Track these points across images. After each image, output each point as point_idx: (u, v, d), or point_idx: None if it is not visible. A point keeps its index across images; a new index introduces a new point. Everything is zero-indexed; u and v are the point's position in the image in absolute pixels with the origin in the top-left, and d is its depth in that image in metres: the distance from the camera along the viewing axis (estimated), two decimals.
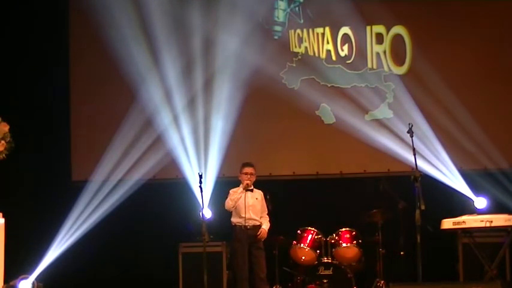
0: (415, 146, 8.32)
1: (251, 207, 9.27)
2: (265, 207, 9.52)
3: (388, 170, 10.87)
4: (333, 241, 10.20)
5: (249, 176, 9.36)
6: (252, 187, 9.37)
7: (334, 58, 11.21)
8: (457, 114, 10.64)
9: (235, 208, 9.32)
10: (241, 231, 9.24)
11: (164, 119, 11.03)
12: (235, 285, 9.62)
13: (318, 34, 11.24)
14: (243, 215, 9.23)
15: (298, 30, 11.27)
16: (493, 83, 10.90)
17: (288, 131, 11.22)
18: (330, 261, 10.07)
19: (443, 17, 10.99)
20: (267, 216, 9.54)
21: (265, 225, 9.42)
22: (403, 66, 11.07)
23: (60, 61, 11.37)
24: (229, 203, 9.30)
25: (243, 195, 9.29)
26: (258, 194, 9.44)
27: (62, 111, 11.36)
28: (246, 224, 9.23)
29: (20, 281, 9.36)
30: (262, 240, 9.48)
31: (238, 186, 9.52)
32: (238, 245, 9.26)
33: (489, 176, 10.52)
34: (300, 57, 11.27)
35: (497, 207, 9.91)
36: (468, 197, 10.31)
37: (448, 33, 10.96)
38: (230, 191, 9.45)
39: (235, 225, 9.35)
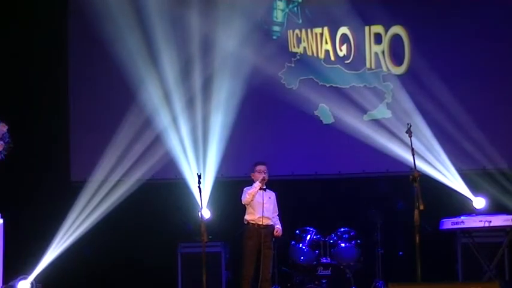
0: (413, 146, 8.31)
1: (265, 205, 9.07)
2: (277, 208, 9.32)
3: (387, 170, 10.87)
4: (331, 241, 10.22)
5: (264, 175, 9.13)
6: (265, 187, 9.20)
7: (332, 58, 11.22)
8: (456, 114, 10.64)
9: (250, 206, 9.13)
10: (254, 230, 9.05)
11: (163, 119, 11.03)
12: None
13: (316, 34, 11.25)
14: (258, 214, 9.06)
15: (297, 31, 11.28)
16: (491, 83, 10.91)
17: (287, 131, 11.22)
18: (328, 261, 10.09)
19: (442, 17, 10.99)
20: (278, 217, 9.34)
21: (279, 225, 9.22)
22: (402, 67, 11.08)
23: (60, 61, 11.37)
24: (246, 197, 9.05)
25: (259, 192, 9.10)
26: (271, 194, 9.24)
27: (61, 112, 11.36)
28: (260, 223, 9.05)
29: (19, 281, 9.38)
30: (277, 237, 9.27)
31: (248, 186, 9.24)
32: (250, 243, 9.03)
33: (488, 176, 10.53)
34: (298, 57, 11.28)
35: (496, 207, 9.93)
36: (467, 197, 10.32)
37: (446, 33, 10.96)
38: (245, 189, 9.21)
39: (248, 223, 9.11)
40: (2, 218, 8.81)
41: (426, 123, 10.65)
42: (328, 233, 10.27)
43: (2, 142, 8.69)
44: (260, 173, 9.14)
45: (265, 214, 9.05)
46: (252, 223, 9.08)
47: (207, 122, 11.03)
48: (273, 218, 9.21)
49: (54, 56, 11.32)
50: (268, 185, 9.31)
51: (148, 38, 11.00)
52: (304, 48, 11.27)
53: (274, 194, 9.29)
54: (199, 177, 8.94)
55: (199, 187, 8.92)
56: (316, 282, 9.96)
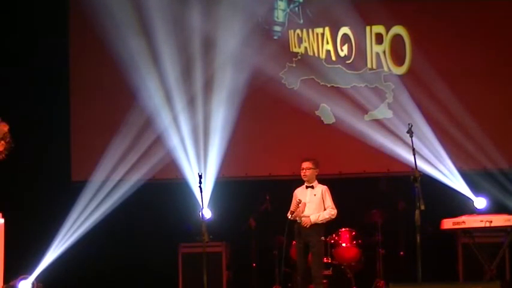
0: (414, 146, 8.32)
1: (308, 204, 9.02)
2: (327, 202, 9.05)
3: (388, 170, 10.87)
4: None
5: (304, 171, 9.10)
6: (313, 183, 9.14)
7: (333, 58, 11.21)
8: (457, 114, 10.64)
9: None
10: (297, 228, 9.02)
11: (164, 119, 11.03)
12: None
13: (317, 34, 11.25)
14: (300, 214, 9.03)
15: (298, 30, 11.28)
16: (492, 83, 10.91)
17: (288, 131, 11.22)
18: (329, 261, 10.08)
19: (443, 17, 10.99)
20: (330, 210, 9.01)
21: (314, 216, 8.97)
22: (403, 66, 11.08)
23: (60, 61, 11.37)
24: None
25: (305, 191, 9.08)
26: (318, 190, 9.12)
27: (62, 112, 11.36)
28: (300, 221, 9.01)
29: (19, 281, 9.38)
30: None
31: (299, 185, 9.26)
32: (296, 242, 9.10)
33: (489, 176, 10.53)
34: (299, 57, 11.28)
35: (496, 207, 9.92)
36: (468, 197, 10.32)
37: (447, 33, 10.97)
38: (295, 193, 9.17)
39: (295, 221, 9.07)
40: (3, 217, 8.80)
41: (427, 123, 10.64)
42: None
43: (2, 142, 8.68)
44: (301, 172, 9.12)
45: (306, 213, 8.99)
46: (298, 223, 9.02)
47: (208, 122, 11.03)
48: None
49: (55, 55, 11.31)
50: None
51: (149, 38, 11.00)
52: (305, 48, 11.27)
53: (322, 189, 9.11)
54: (200, 177, 8.95)
55: (200, 187, 8.93)
56: None
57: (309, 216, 8.98)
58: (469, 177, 10.50)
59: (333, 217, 9.07)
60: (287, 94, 11.08)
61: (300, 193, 9.12)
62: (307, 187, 9.12)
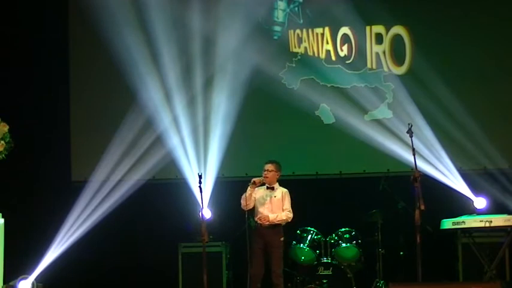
0: (414, 146, 8.32)
1: (267, 205, 9.13)
2: (285, 204, 9.14)
3: (388, 170, 10.87)
4: (332, 241, 10.21)
5: (266, 173, 9.14)
6: (274, 185, 9.20)
7: (333, 58, 11.21)
8: (457, 114, 10.65)
9: (255, 206, 9.15)
10: (257, 229, 9.11)
11: (164, 119, 11.03)
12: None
13: (317, 34, 11.25)
14: (259, 214, 9.12)
15: (298, 31, 11.28)
16: (492, 83, 10.92)
17: (288, 131, 11.22)
18: (329, 261, 10.08)
19: (443, 17, 11.00)
20: (287, 213, 9.11)
21: (272, 215, 9.06)
22: (403, 67, 11.08)
23: (60, 61, 11.37)
24: (242, 202, 9.08)
25: (260, 192, 9.16)
26: (279, 192, 9.21)
27: (62, 112, 11.36)
28: (260, 222, 9.09)
29: (19, 281, 9.38)
30: (264, 224, 9.09)
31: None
32: (254, 243, 9.10)
33: (489, 176, 10.53)
34: (299, 57, 11.28)
35: (496, 208, 9.92)
36: (468, 197, 10.32)
37: (447, 33, 10.97)
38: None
39: (256, 222, 9.16)
40: (2, 217, 8.81)
41: (427, 123, 10.64)
42: (329, 233, 10.26)
43: (2, 142, 8.69)
44: (263, 173, 9.16)
45: (266, 213, 9.07)
46: (258, 223, 9.12)
47: (208, 122, 11.03)
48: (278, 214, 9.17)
49: (55, 55, 11.32)
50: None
51: (149, 38, 11.00)
52: (305, 48, 11.27)
53: (282, 191, 9.20)
54: (200, 177, 8.95)
55: (200, 187, 8.93)
56: (317, 282, 9.95)
57: (267, 215, 9.06)
58: (469, 177, 10.50)
59: (289, 220, 9.16)
60: (287, 94, 11.08)
61: (260, 193, 9.16)
62: (267, 188, 9.17)
